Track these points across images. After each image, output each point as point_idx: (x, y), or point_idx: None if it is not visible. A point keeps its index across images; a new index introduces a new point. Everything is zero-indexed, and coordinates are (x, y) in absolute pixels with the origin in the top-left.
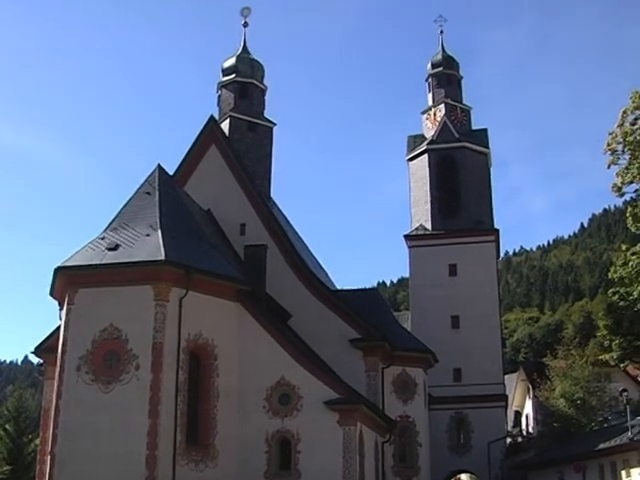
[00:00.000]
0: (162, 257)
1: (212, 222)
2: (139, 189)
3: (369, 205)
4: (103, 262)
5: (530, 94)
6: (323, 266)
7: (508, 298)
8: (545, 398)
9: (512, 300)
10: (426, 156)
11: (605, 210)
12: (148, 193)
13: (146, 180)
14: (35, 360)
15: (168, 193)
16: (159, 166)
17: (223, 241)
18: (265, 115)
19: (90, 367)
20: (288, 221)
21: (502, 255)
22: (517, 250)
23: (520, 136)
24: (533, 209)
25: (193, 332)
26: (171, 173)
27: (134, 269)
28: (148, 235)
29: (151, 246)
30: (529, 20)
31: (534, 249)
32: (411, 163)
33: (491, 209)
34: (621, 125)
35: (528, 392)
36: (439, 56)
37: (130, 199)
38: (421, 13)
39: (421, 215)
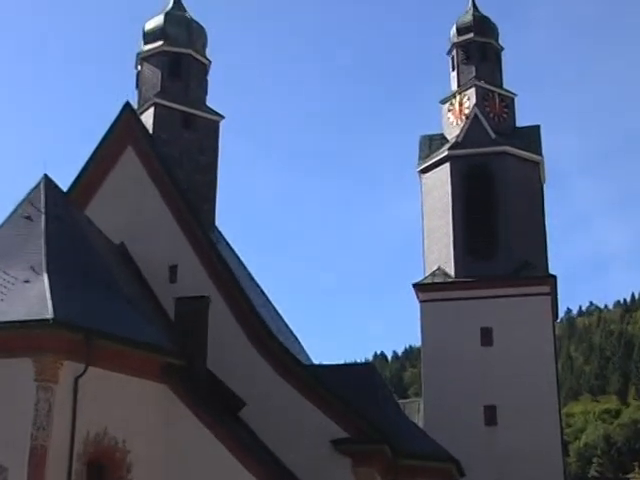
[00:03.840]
0: (49, 315)
1: (127, 262)
2: (15, 211)
3: (361, 237)
4: None
5: (604, 75)
6: (293, 331)
7: (572, 380)
8: None
9: (578, 384)
10: (447, 166)
11: None
12: (29, 218)
13: (26, 198)
14: None
15: (60, 218)
16: (46, 177)
17: (143, 291)
18: (208, 104)
19: None
20: (241, 262)
21: (562, 315)
22: (585, 308)
23: (587, 138)
24: (608, 246)
25: (95, 429)
26: (65, 188)
27: (5, 333)
28: (27, 281)
29: (32, 298)
30: None
31: (611, 306)
32: (424, 176)
33: (545, 246)
34: None
35: None
36: (469, 16)
37: (0, 226)
38: None
39: (439, 254)
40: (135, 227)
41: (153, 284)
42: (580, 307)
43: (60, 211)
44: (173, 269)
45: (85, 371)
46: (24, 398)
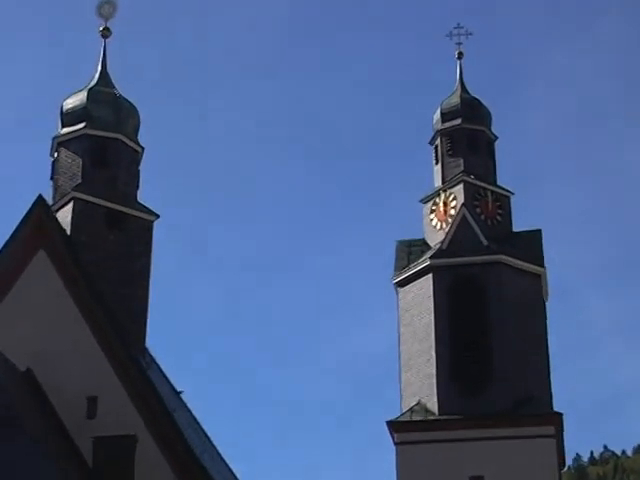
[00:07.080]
0: None
1: (34, 393)
2: None
3: (322, 361)
4: None
5: (611, 170)
6: (240, 478)
7: None
8: None
9: None
10: (430, 278)
11: None
12: None
13: None
14: None
15: None
16: None
17: (54, 429)
18: (140, 200)
19: None
20: (177, 393)
21: (570, 462)
22: (598, 453)
23: (599, 245)
24: (624, 376)
25: None
26: None
27: None
28: None
29: None
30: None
31: (629, 452)
32: (402, 290)
33: (548, 376)
34: None
35: None
36: (456, 98)
37: None
38: (424, 19)
39: (420, 385)
40: (46, 349)
41: (67, 420)
42: (592, 453)
43: None
44: (92, 401)
45: None
46: None
